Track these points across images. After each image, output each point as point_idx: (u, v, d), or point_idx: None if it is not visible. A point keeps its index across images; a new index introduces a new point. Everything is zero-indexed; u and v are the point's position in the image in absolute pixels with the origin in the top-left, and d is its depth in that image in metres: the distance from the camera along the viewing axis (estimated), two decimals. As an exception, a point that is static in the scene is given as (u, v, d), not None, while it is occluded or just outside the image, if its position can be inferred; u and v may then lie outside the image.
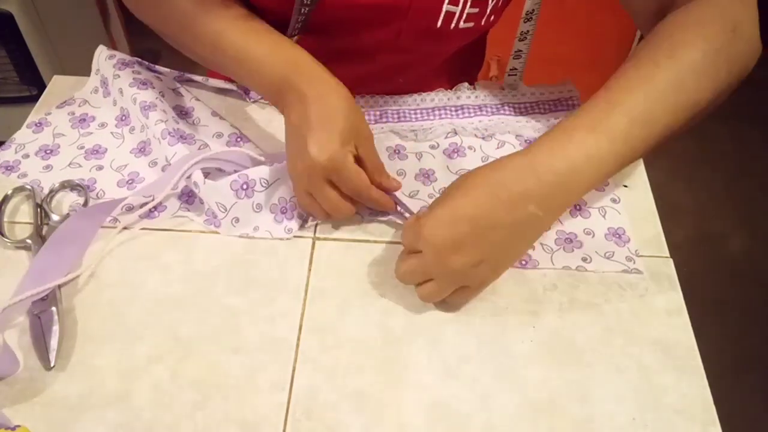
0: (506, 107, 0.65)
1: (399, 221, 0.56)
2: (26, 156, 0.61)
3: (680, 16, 0.50)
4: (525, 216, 0.45)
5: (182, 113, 0.63)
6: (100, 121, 0.64)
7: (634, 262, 0.53)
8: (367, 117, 0.64)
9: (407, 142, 0.63)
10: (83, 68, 0.69)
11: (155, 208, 0.57)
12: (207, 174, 0.55)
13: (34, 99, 0.83)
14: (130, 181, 0.59)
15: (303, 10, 0.53)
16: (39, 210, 0.56)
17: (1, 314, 0.48)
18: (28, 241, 0.54)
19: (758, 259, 1.55)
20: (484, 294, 0.52)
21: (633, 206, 0.58)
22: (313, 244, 0.55)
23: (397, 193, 0.54)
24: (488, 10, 0.58)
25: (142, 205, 0.56)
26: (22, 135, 0.63)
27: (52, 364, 0.47)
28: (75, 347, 0.48)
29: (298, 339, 0.49)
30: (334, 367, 0.48)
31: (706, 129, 1.79)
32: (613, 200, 0.58)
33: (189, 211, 0.57)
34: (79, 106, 0.65)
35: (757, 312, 1.45)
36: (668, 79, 0.47)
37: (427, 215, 0.47)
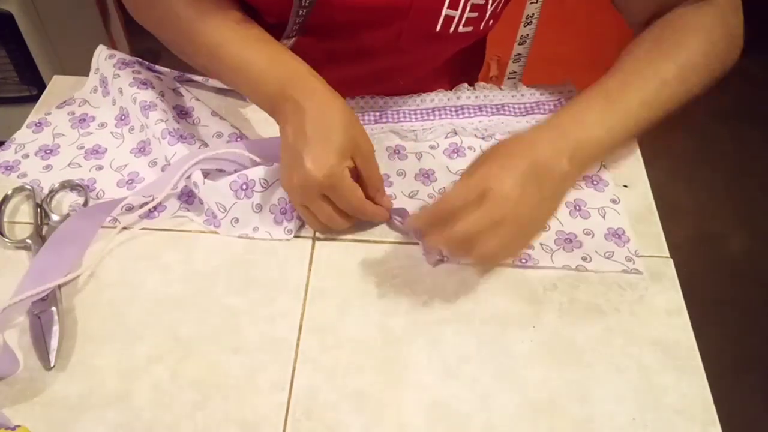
0: (506, 107, 0.65)
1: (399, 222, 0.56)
2: (26, 156, 0.61)
3: (683, 18, 0.54)
4: (559, 172, 0.48)
5: (182, 113, 0.63)
6: (100, 121, 0.64)
7: (634, 263, 0.53)
8: (367, 117, 0.64)
9: (407, 142, 0.63)
10: (83, 68, 0.69)
11: (155, 208, 0.56)
12: (206, 174, 0.55)
13: (34, 99, 0.82)
14: (129, 181, 0.59)
15: (301, 12, 0.53)
16: (39, 210, 0.56)
17: (1, 314, 0.48)
18: (28, 241, 0.54)
19: (758, 259, 1.55)
20: (484, 294, 0.52)
21: (633, 206, 0.58)
22: (313, 244, 0.55)
23: (393, 203, 0.55)
24: (487, 15, 0.58)
25: (141, 205, 0.56)
26: (22, 135, 0.63)
27: (52, 364, 0.47)
28: (75, 347, 0.48)
29: (298, 339, 0.49)
30: (334, 367, 0.48)
31: (706, 129, 1.79)
32: (613, 200, 0.58)
33: (189, 211, 0.57)
34: (79, 106, 0.65)
35: (757, 312, 1.45)
36: (675, 70, 0.51)
37: (478, 172, 0.47)
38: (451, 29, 0.57)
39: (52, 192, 0.58)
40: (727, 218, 1.63)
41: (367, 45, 0.61)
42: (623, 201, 0.58)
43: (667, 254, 0.55)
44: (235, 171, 0.55)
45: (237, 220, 0.55)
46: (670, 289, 0.52)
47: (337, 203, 0.50)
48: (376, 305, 0.51)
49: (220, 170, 0.56)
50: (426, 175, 0.60)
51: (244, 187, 0.54)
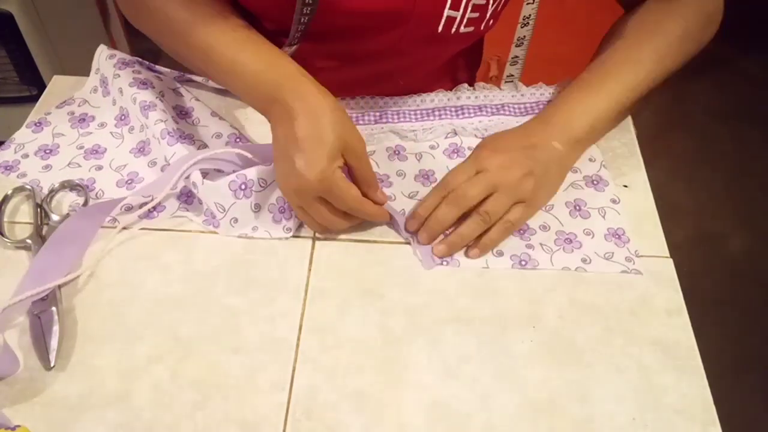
0: (506, 108, 0.65)
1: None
2: (26, 156, 0.61)
3: (664, 3, 0.60)
4: (551, 151, 0.56)
5: (182, 113, 0.63)
6: (100, 120, 0.64)
7: (634, 263, 0.53)
8: (367, 117, 0.64)
9: (407, 143, 0.63)
10: (83, 68, 0.69)
11: (154, 208, 0.57)
12: (205, 174, 0.55)
13: (34, 99, 0.83)
14: (129, 181, 0.59)
15: (303, 19, 0.53)
16: (39, 210, 0.56)
17: (1, 314, 0.48)
18: (28, 241, 0.54)
19: (758, 259, 1.55)
20: (484, 294, 0.52)
21: (633, 206, 0.58)
22: (313, 244, 0.55)
23: (393, 203, 0.54)
24: (488, 15, 0.58)
25: (141, 205, 0.56)
26: (22, 135, 0.63)
27: (52, 364, 0.47)
28: (75, 347, 0.48)
29: (298, 339, 0.49)
30: (334, 367, 0.48)
31: (706, 129, 1.79)
32: (613, 200, 0.58)
33: (188, 211, 0.57)
34: (79, 105, 0.65)
35: (757, 312, 1.45)
36: (652, 54, 0.58)
37: (472, 157, 0.57)
38: (453, 30, 0.57)
39: (52, 192, 0.58)
40: (727, 218, 1.63)
41: (368, 48, 0.61)
42: (623, 201, 0.58)
43: (667, 254, 0.55)
44: (234, 171, 0.55)
45: (236, 220, 0.55)
46: (670, 289, 0.52)
47: (335, 204, 0.50)
48: (376, 305, 0.51)
49: (219, 170, 0.56)
50: (426, 176, 0.60)
51: (243, 186, 0.54)
